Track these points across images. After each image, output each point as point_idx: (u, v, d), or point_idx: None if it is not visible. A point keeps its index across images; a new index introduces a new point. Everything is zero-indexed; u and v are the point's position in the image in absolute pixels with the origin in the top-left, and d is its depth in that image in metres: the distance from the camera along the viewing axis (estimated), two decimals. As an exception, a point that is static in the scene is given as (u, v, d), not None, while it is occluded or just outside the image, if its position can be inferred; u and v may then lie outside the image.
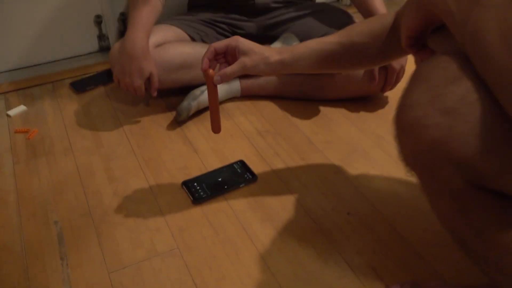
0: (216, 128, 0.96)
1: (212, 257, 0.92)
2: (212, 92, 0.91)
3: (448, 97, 0.56)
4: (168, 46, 1.27)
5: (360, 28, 0.91)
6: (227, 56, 0.92)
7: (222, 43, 0.90)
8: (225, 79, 0.89)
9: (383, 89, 1.29)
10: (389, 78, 1.27)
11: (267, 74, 0.93)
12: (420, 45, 0.69)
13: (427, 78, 0.59)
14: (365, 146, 1.19)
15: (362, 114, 1.31)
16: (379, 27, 0.89)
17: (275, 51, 0.90)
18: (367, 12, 1.31)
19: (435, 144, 0.57)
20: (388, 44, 0.89)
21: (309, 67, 0.92)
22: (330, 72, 0.96)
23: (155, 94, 1.25)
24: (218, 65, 0.93)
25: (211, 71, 0.88)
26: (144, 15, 1.24)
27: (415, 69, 0.63)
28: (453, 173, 0.58)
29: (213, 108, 0.93)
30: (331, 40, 0.91)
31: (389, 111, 1.31)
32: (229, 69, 0.88)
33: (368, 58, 0.92)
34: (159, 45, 1.28)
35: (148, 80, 1.24)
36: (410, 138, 0.59)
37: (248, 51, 0.88)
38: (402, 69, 1.27)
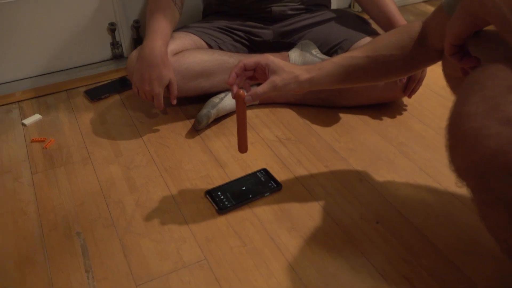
0: (243, 147, 0.95)
1: (241, 268, 0.90)
2: (241, 111, 0.90)
3: (508, 106, 0.55)
4: (186, 54, 1.26)
5: (387, 41, 0.90)
6: (256, 72, 0.91)
7: (251, 60, 0.89)
8: (256, 98, 0.89)
9: (405, 90, 1.27)
10: (413, 76, 1.25)
11: (296, 92, 0.93)
12: (463, 53, 0.68)
13: (483, 87, 0.58)
14: (388, 153, 1.17)
15: (383, 121, 1.29)
16: (406, 38, 0.88)
17: (304, 69, 0.90)
18: (385, 19, 1.30)
19: (494, 155, 0.55)
20: (416, 55, 0.88)
21: (336, 82, 0.92)
22: (356, 85, 0.96)
23: (174, 102, 1.24)
24: (244, 78, 0.93)
25: (241, 91, 0.88)
26: (162, 23, 1.23)
27: (467, 77, 0.61)
28: (510, 184, 0.56)
29: (241, 128, 0.92)
30: (357, 54, 0.91)
31: (410, 118, 1.30)
32: (260, 89, 0.88)
33: (395, 70, 0.92)
34: (177, 53, 1.26)
35: (167, 88, 1.22)
36: (467, 148, 0.58)
37: (278, 70, 0.88)
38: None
